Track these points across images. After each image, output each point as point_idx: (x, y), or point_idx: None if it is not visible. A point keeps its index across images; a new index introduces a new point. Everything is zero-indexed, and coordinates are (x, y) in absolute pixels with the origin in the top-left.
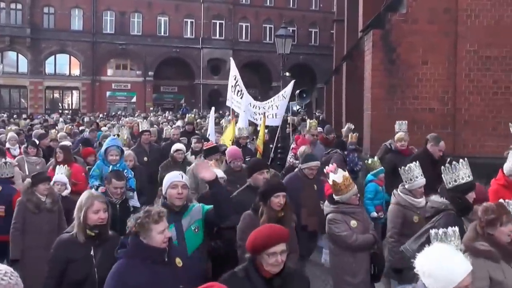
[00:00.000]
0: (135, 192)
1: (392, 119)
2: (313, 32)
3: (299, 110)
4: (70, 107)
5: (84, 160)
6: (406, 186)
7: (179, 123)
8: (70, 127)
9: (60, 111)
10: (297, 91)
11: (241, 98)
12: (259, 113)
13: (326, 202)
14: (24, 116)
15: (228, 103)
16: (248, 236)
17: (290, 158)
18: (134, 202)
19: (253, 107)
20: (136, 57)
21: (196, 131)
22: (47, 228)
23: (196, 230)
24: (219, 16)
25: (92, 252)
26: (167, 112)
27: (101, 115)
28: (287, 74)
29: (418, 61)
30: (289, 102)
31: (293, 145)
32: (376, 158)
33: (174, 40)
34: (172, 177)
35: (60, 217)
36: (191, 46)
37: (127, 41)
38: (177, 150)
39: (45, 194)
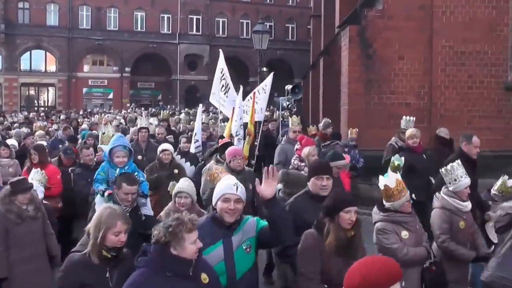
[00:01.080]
0: (148, 199)
1: (369, 114)
2: (290, 28)
3: (289, 106)
4: (46, 104)
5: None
6: (451, 188)
7: (151, 120)
8: (44, 125)
9: (35, 108)
10: (289, 86)
11: (225, 94)
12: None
13: (375, 209)
14: None
15: (211, 98)
16: (312, 261)
17: (294, 160)
18: (147, 210)
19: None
20: (113, 52)
21: (172, 128)
22: (33, 237)
23: (248, 249)
24: (196, 11)
25: (107, 275)
26: (142, 108)
27: (81, 112)
28: (264, 69)
29: (395, 56)
30: (279, 97)
31: (297, 146)
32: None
33: (151, 35)
34: (224, 188)
35: (45, 223)
36: (168, 42)
37: (103, 36)
38: (163, 151)
39: (25, 203)
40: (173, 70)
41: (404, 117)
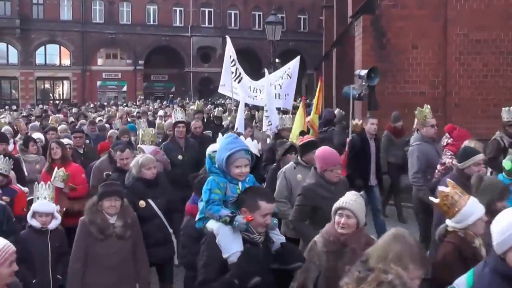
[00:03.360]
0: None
1: (383, 104)
2: (302, 19)
3: (361, 95)
4: (61, 97)
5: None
6: None
7: (160, 113)
8: (60, 118)
9: (51, 101)
10: (361, 71)
11: (237, 81)
12: (259, 90)
13: None
14: (14, 107)
15: (221, 90)
16: None
17: (447, 159)
18: (277, 234)
19: (253, 90)
20: (126, 46)
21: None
22: (116, 261)
23: None
24: (208, 4)
25: None
26: (155, 100)
27: (91, 105)
28: (277, 60)
29: (409, 45)
30: (349, 85)
31: (448, 140)
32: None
33: (164, 28)
34: None
35: (137, 246)
36: (181, 34)
37: (116, 30)
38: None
39: (111, 213)
40: (186, 62)
41: (504, 108)
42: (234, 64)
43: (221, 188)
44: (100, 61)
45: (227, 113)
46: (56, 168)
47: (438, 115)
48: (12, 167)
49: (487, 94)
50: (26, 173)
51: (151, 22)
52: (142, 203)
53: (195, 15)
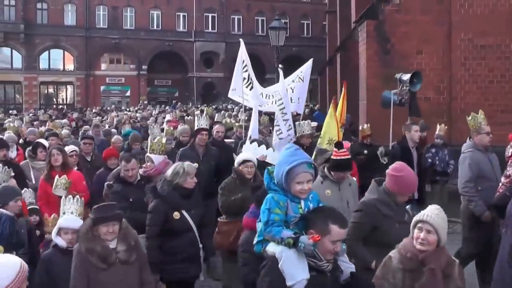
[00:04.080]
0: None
1: (388, 109)
2: (305, 24)
3: (402, 101)
4: (65, 102)
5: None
6: None
7: (168, 117)
8: (64, 122)
9: (54, 106)
10: (402, 75)
11: (249, 87)
12: (271, 96)
13: None
14: (14, 112)
15: (231, 94)
16: None
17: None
18: (348, 264)
19: (266, 97)
20: (130, 51)
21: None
22: (123, 287)
23: None
24: (211, 9)
25: None
26: (149, 106)
27: (94, 110)
28: (280, 66)
29: (413, 51)
30: (390, 91)
31: None
32: None
33: (167, 33)
34: None
35: (143, 268)
36: (184, 40)
37: (120, 35)
38: (244, 162)
39: (110, 239)
40: (190, 67)
41: None
42: (246, 70)
43: (281, 208)
44: (103, 66)
45: (231, 119)
46: (57, 176)
47: (443, 121)
48: (13, 174)
49: (493, 100)
50: (33, 181)
51: (155, 27)
52: (176, 215)
53: (199, 20)
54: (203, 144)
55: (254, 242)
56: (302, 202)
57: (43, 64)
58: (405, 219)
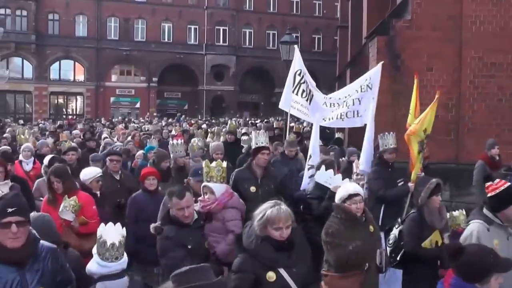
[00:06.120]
0: None
1: (397, 125)
2: (316, 38)
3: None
4: (74, 113)
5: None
6: None
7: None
8: (75, 134)
9: (64, 116)
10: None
11: (307, 100)
12: (336, 104)
13: None
14: (21, 121)
15: (283, 106)
16: None
17: None
18: None
19: (330, 105)
20: (140, 63)
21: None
22: None
23: None
24: (223, 22)
25: None
26: (156, 118)
27: (103, 121)
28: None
29: (423, 67)
30: None
31: None
32: None
33: (178, 46)
34: None
35: None
36: (195, 52)
37: (131, 47)
38: (350, 197)
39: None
40: (200, 80)
41: None
42: (304, 81)
43: None
44: (114, 78)
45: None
46: (66, 196)
47: (451, 139)
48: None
49: (501, 119)
50: None
51: (166, 40)
52: (271, 276)
53: (210, 33)
54: (264, 165)
55: None
56: None
57: (53, 75)
58: None
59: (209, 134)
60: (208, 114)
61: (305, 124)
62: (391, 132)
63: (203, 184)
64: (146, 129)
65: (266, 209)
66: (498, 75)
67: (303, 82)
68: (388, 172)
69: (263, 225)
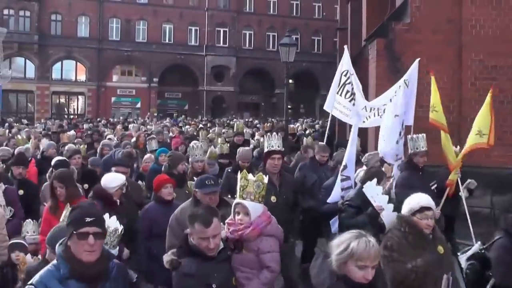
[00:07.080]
0: None
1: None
2: (316, 40)
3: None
4: (76, 112)
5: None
6: None
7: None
8: (72, 135)
9: (65, 115)
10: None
11: (351, 101)
12: (376, 109)
13: None
14: (25, 122)
15: (327, 108)
16: None
17: None
18: None
19: (369, 110)
20: (141, 63)
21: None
22: None
23: None
24: (223, 24)
25: None
26: (154, 119)
27: (102, 121)
28: (290, 81)
29: (423, 70)
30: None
31: None
32: None
33: (179, 47)
34: None
35: None
36: (195, 53)
37: (132, 48)
38: (421, 210)
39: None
40: (200, 81)
41: None
42: (350, 82)
43: None
44: (115, 78)
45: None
46: (67, 205)
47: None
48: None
49: (503, 121)
50: None
51: (167, 41)
52: None
53: (210, 34)
54: (276, 172)
55: None
56: None
57: (55, 74)
58: None
59: (209, 135)
60: (209, 114)
61: (297, 124)
62: (422, 134)
63: (236, 201)
64: (149, 130)
65: (350, 240)
66: (499, 78)
67: (349, 83)
68: (419, 176)
69: (344, 260)
